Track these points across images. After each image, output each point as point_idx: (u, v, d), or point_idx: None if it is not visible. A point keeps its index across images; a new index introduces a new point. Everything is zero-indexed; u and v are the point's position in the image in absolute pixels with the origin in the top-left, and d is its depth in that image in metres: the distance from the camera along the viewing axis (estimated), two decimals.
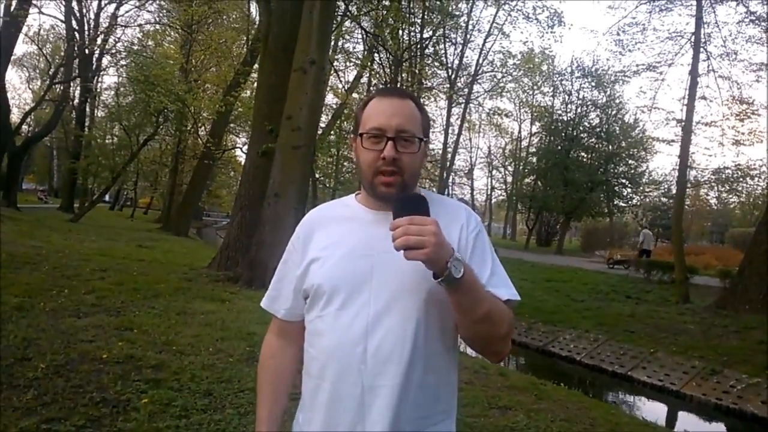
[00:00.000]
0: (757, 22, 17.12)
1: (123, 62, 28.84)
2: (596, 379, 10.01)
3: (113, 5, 28.90)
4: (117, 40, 28.48)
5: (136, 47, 28.64)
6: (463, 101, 31.38)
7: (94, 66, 29.28)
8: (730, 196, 41.11)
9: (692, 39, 16.29)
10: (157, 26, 30.03)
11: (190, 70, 27.72)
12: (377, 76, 26.55)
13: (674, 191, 18.98)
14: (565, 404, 5.64)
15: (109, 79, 41.18)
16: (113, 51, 28.46)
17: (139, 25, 29.59)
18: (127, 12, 29.82)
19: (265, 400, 1.48)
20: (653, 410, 8.55)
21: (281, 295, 1.48)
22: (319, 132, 18.56)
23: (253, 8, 23.84)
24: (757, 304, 11.57)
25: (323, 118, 25.45)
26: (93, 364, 4.38)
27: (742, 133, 20.92)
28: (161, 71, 23.12)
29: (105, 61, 30.15)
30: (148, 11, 30.27)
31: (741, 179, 29.61)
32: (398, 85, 28.95)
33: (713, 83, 21.70)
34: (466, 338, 1.31)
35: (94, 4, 29.49)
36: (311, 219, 1.48)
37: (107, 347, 4.84)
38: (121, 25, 28.42)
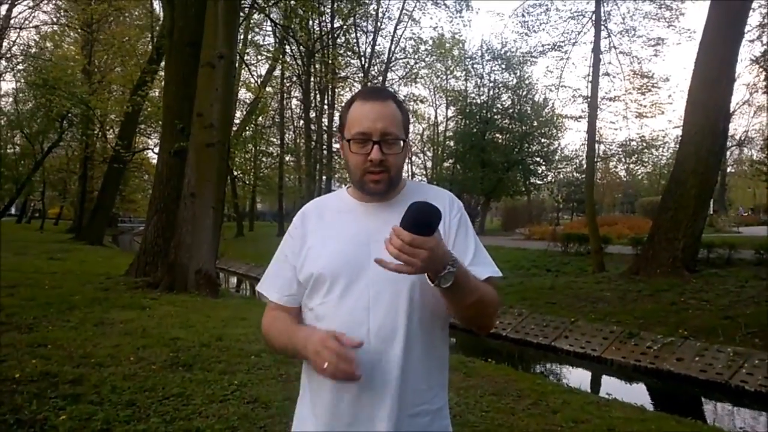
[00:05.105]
0: None
1: (20, 66, 27.41)
2: (523, 352, 10.31)
3: (5, 6, 27.30)
4: (12, 43, 26.94)
5: (33, 50, 27.27)
6: None
7: None
8: (638, 167, 43.06)
9: (593, 17, 16.91)
10: (55, 27, 28.66)
11: (94, 71, 26.57)
12: (290, 68, 26.27)
13: (585, 166, 19.70)
14: (493, 379, 5.79)
15: (6, 84, 39.02)
16: (8, 55, 26.89)
17: (35, 27, 28.16)
18: (20, 13, 28.23)
19: (292, 327, 1.45)
20: (577, 376, 8.92)
21: (282, 284, 1.52)
22: (234, 128, 18.23)
23: (156, 3, 23.13)
24: (667, 268, 12.16)
25: (237, 113, 25.08)
26: (5, 385, 4.16)
27: (644, 106, 22.04)
28: (62, 74, 22.15)
29: (0, 66, 28.46)
30: (43, 12, 28.73)
31: (646, 150, 30.98)
32: (311, 77, 28.85)
33: (615, 59, 22.68)
34: (457, 319, 1.42)
35: None
36: (309, 210, 1.56)
37: (20, 366, 4.60)
38: (15, 27, 26.87)
